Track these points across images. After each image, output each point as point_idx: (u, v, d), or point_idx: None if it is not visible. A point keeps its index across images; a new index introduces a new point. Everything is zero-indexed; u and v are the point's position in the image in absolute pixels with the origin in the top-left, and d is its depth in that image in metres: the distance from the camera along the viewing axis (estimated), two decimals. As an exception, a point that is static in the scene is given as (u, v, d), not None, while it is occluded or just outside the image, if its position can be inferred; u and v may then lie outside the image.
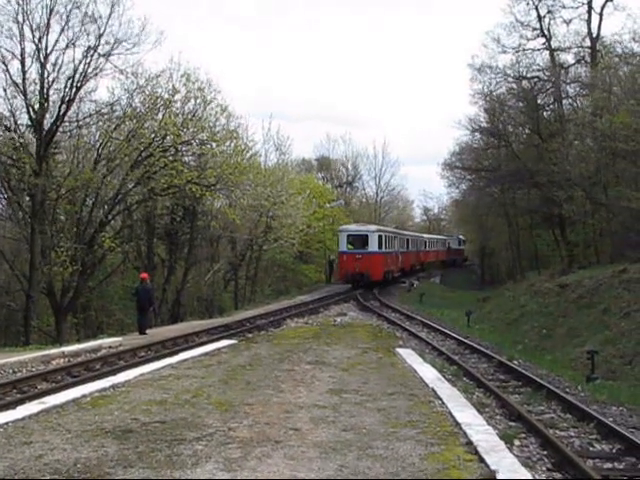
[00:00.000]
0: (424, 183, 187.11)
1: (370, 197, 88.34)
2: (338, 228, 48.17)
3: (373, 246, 42.69)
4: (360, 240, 42.97)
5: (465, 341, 21.03)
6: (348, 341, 18.53)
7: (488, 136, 55.63)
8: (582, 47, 48.28)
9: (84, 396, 10.48)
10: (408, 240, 57.73)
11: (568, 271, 37.14)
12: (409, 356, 15.14)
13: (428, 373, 12.74)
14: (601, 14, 46.41)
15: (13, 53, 29.84)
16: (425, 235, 75.87)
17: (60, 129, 31.44)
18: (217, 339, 19.47)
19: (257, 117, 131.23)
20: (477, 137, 59.46)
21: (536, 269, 49.67)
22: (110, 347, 19.36)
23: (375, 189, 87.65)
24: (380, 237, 43.88)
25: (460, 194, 71.96)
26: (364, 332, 21.29)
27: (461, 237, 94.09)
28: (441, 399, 10.28)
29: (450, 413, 9.37)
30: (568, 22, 48.07)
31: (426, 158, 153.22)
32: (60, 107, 30.62)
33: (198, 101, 33.62)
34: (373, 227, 45.63)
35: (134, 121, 32.27)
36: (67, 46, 30.47)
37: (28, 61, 30.10)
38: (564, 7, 47.60)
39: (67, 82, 30.52)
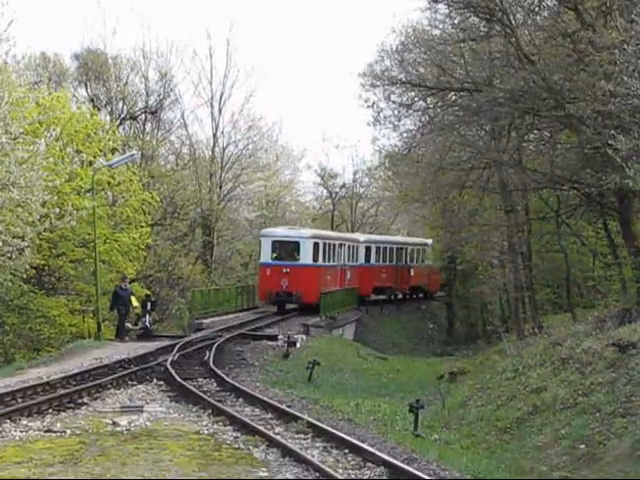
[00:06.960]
0: (323, 120, 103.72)
1: (202, 144, 47.67)
2: (260, 232, 39.47)
3: (306, 257, 35.71)
4: (289, 249, 35.92)
5: (408, 469, 11.01)
6: (145, 473, 10.81)
7: (466, 12, 26.95)
8: None
9: None
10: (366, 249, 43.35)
11: (636, 315, 19.51)
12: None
13: None
14: None
15: None
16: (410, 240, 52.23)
17: None
18: None
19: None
20: (442, 14, 29.13)
21: (567, 308, 30.00)
22: None
23: (213, 128, 46.51)
24: (316, 245, 36.49)
25: (402, 142, 34.72)
26: (180, 450, 12.31)
27: None
28: None
29: None
30: None
31: (325, 62, 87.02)
32: None
33: None
34: (307, 231, 38.43)
35: None
36: None
37: None
38: None
39: None
